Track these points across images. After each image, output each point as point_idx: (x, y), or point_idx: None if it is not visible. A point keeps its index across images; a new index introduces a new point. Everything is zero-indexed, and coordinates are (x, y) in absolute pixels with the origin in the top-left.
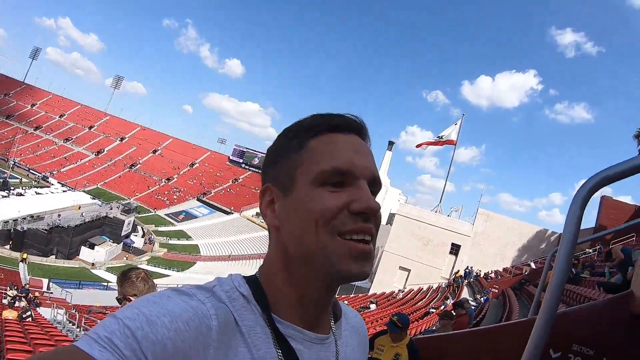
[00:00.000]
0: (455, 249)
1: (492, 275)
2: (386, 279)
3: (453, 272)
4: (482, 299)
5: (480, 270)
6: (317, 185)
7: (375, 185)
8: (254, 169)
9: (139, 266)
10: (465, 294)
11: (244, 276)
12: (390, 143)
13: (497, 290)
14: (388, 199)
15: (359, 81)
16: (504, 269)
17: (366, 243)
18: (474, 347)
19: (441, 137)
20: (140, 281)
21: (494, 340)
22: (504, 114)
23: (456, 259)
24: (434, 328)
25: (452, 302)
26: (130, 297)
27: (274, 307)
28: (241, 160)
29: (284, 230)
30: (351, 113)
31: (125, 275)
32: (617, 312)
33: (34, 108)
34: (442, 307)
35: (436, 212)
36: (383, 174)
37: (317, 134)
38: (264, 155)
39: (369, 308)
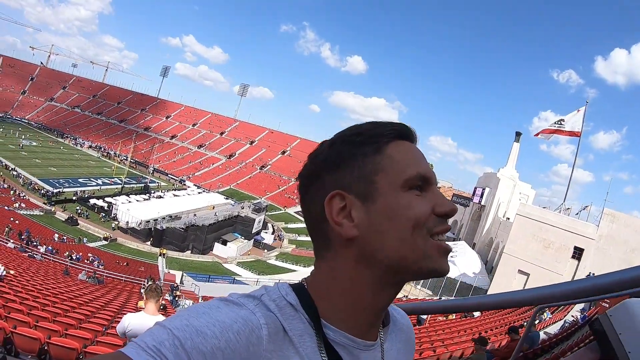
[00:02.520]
0: (577, 253)
1: None
2: (504, 282)
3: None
4: (579, 316)
5: None
6: (404, 190)
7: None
8: None
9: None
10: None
11: (290, 284)
12: (518, 134)
13: (607, 305)
14: (516, 194)
15: (482, 69)
16: None
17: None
18: None
19: (561, 122)
20: (148, 290)
21: None
22: None
23: (578, 264)
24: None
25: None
26: (147, 299)
27: (327, 316)
28: None
29: (369, 238)
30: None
31: (147, 286)
32: None
33: (168, 120)
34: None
35: (560, 211)
36: (511, 168)
37: (390, 141)
38: None
39: (473, 315)
